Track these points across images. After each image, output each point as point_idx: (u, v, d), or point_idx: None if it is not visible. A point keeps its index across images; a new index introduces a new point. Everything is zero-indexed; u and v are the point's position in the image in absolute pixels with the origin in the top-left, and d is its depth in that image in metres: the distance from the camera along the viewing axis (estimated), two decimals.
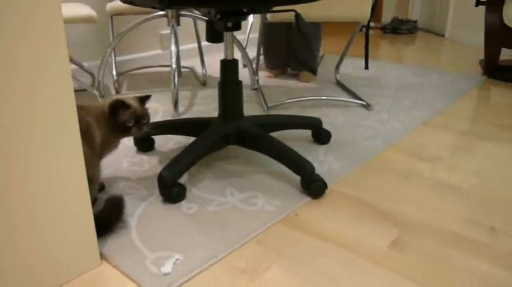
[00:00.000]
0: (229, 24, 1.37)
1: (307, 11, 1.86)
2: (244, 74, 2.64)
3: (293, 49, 2.59)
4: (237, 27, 1.38)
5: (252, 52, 2.89)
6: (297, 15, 1.45)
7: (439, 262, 1.03)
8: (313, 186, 1.29)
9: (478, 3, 2.70)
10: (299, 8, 1.79)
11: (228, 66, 1.43)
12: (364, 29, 2.31)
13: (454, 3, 4.06)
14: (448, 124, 1.91)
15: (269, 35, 2.61)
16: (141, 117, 1.25)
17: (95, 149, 1.18)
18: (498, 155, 1.61)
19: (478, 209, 1.26)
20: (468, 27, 3.85)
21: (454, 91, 2.40)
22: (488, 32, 2.65)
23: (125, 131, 1.24)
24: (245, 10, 1.36)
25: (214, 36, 1.45)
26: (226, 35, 1.43)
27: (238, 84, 1.44)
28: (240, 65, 2.91)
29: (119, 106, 1.21)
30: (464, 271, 1.00)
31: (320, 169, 1.46)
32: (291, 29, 2.50)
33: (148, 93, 1.32)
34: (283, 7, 1.53)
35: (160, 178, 1.25)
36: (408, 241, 1.11)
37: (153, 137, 1.64)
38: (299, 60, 2.60)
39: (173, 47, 2.17)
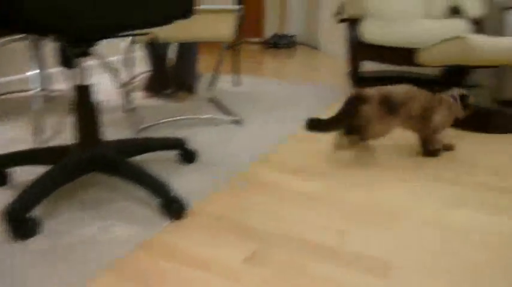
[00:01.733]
0: (79, 51, 1.34)
1: (168, 33, 1.87)
2: (118, 96, 2.59)
3: (175, 70, 2.62)
4: (87, 53, 1.35)
5: (125, 74, 2.84)
6: (151, 39, 1.46)
7: (293, 271, 1.09)
8: (173, 208, 1.30)
9: (340, 21, 2.91)
10: (160, 29, 1.80)
11: (82, 92, 1.40)
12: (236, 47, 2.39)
13: (322, 18, 4.34)
14: (316, 135, 1.99)
15: (156, 59, 2.61)
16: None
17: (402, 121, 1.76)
18: (362, 162, 1.74)
19: (331, 216, 1.34)
20: (337, 42, 4.13)
21: (324, 102, 2.55)
22: (349, 47, 2.87)
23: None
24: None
25: (67, 61, 1.41)
26: (78, 61, 1.40)
27: (93, 108, 1.41)
28: (115, 87, 2.85)
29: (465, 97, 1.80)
30: (317, 278, 1.06)
31: (183, 189, 1.48)
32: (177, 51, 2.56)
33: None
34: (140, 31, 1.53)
35: (7, 213, 1.18)
36: (265, 254, 1.16)
37: (6, 170, 1.54)
38: (180, 80, 2.62)
39: (34, 71, 2.07)
